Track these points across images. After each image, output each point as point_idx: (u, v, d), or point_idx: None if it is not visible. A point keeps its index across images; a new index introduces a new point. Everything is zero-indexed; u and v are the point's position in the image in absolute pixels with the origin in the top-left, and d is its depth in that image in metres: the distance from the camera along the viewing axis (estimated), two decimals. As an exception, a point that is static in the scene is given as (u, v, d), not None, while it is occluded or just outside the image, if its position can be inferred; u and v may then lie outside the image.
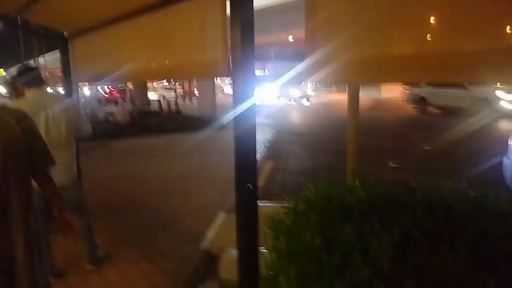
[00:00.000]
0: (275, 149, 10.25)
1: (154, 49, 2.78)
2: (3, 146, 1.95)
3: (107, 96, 28.16)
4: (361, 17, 1.47)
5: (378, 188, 2.43)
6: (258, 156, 9.00)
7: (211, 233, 4.24)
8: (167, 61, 2.70)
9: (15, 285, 2.02)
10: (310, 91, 26.38)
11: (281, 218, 2.32)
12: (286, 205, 2.47)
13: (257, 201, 1.91)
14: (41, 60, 27.15)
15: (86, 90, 26.57)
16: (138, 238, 4.55)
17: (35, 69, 3.55)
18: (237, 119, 1.77)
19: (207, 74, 2.65)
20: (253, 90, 1.77)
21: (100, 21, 3.36)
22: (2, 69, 46.12)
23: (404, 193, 2.37)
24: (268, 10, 21.67)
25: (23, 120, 2.11)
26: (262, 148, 10.29)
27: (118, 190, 6.61)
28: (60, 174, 3.14)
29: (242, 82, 1.75)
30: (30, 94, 3.24)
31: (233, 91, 1.78)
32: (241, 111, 1.73)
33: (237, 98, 1.76)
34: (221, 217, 4.70)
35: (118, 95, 26.44)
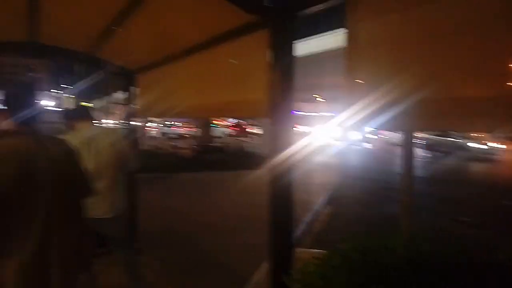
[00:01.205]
0: (335, 194, 9.90)
1: (203, 86, 2.81)
2: (48, 172, 2.02)
3: (175, 129, 29.52)
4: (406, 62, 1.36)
5: (426, 246, 2.12)
6: (318, 199, 8.75)
7: (255, 279, 4.07)
8: (215, 99, 2.71)
9: None
10: (371, 134, 25.71)
11: (310, 270, 2.10)
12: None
13: (293, 247, 1.77)
14: (116, 95, 29.37)
15: (152, 123, 28.06)
16: (183, 274, 4.49)
17: (85, 106, 3.81)
18: (274, 161, 1.69)
19: (250, 114, 2.62)
20: (291, 132, 1.70)
21: (159, 60, 3.51)
22: (84, 102, 50.46)
23: (459, 254, 2.04)
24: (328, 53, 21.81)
25: (70, 152, 2.20)
26: (321, 191, 10.00)
27: (174, 223, 6.68)
28: (99, 206, 3.23)
29: (280, 124, 1.68)
30: (80, 127, 3.42)
31: (271, 132, 1.71)
32: (279, 153, 1.65)
33: (274, 140, 1.69)
34: (264, 268, 4.51)
35: (189, 129, 27.61)
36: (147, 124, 19.84)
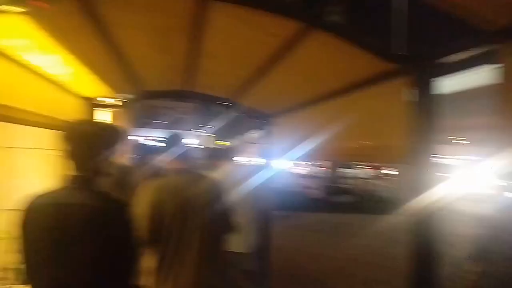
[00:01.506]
0: (486, 248, 8.66)
1: (340, 131, 2.85)
2: (198, 207, 2.29)
3: (304, 168, 29.77)
4: None
5: None
6: (464, 254, 7.77)
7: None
8: (350, 144, 2.73)
9: None
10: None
11: None
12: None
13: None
14: (252, 135, 31.21)
15: (286, 163, 28.69)
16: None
17: (225, 146, 4.16)
18: (413, 208, 1.63)
19: (385, 159, 2.56)
20: (432, 178, 1.62)
21: (298, 104, 3.69)
22: (223, 142, 54.89)
23: None
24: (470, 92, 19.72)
25: (217, 189, 2.45)
26: (467, 244, 8.87)
27: (300, 263, 6.67)
28: (237, 242, 3.43)
29: (419, 169, 1.62)
30: (223, 166, 3.74)
31: (410, 177, 1.67)
32: (418, 199, 1.58)
33: (413, 185, 1.64)
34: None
35: (318, 169, 27.63)
36: (278, 164, 20.50)
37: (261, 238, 3.90)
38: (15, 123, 2.58)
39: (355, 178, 20.12)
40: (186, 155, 2.54)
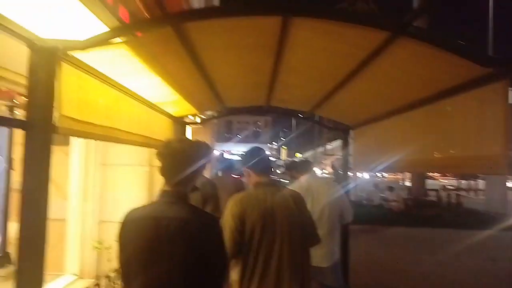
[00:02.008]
0: None
1: (426, 140, 2.74)
2: (282, 219, 2.32)
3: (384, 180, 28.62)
4: None
5: None
6: None
7: None
8: (439, 154, 2.60)
9: None
10: None
11: None
12: None
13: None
14: (328, 147, 30.81)
15: (365, 175, 27.88)
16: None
17: (303, 161, 4.15)
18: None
19: (482, 170, 2.39)
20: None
21: (377, 115, 3.61)
22: (299, 154, 54.80)
23: None
24: None
25: (299, 202, 2.47)
26: None
27: (382, 279, 6.41)
28: (318, 255, 3.39)
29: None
30: (302, 179, 3.73)
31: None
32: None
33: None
34: None
35: (396, 180, 26.48)
36: (357, 176, 20.00)
37: (340, 252, 3.83)
38: (116, 143, 2.85)
39: (439, 190, 18.86)
40: (267, 168, 2.59)
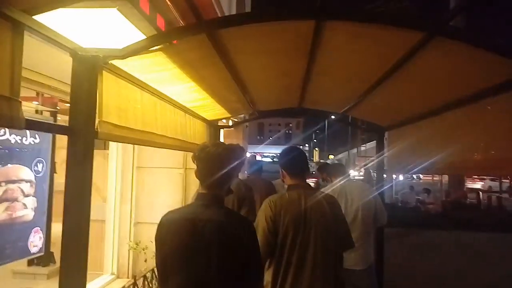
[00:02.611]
0: None
1: (464, 142, 2.66)
2: (316, 222, 2.31)
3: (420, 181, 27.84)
4: None
5: None
6: None
7: None
8: (475, 155, 2.51)
9: None
10: None
11: None
12: None
13: None
14: (362, 148, 30.36)
15: (400, 177, 27.23)
16: None
17: (337, 163, 4.12)
18: None
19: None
20: None
21: (413, 116, 3.53)
22: (332, 156, 54.21)
23: None
24: None
25: (333, 205, 2.45)
26: None
27: (419, 285, 6.23)
28: (352, 258, 3.36)
29: None
30: (336, 181, 3.70)
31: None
32: None
33: None
34: None
35: (432, 182, 25.69)
36: (393, 177, 19.58)
37: (375, 255, 3.77)
38: (153, 146, 2.93)
39: (479, 191, 18.11)
40: (303, 170, 2.57)
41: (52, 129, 2.72)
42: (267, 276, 2.39)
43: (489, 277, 6.70)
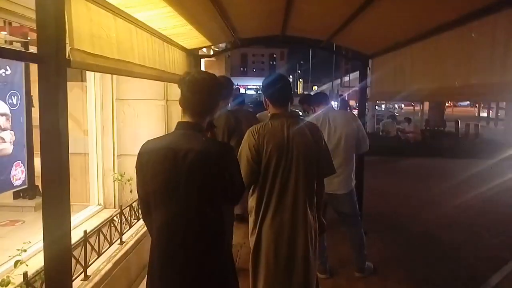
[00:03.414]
0: None
1: (447, 68, 2.64)
2: (298, 150, 2.35)
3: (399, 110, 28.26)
4: None
5: None
6: None
7: (496, 281, 3.64)
8: (457, 82, 2.51)
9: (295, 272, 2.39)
10: None
11: None
12: None
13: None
14: (346, 79, 30.26)
15: (382, 106, 27.56)
16: (409, 260, 4.42)
17: (324, 94, 4.12)
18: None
19: (507, 97, 2.31)
20: None
21: (397, 42, 3.47)
22: (316, 86, 54.05)
23: None
24: None
25: (315, 132, 2.47)
26: None
27: (396, 207, 6.59)
28: (334, 183, 3.49)
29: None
30: (319, 110, 3.72)
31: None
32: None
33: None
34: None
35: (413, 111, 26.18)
36: (374, 107, 19.77)
37: (356, 181, 3.91)
38: (131, 76, 2.83)
39: (456, 120, 18.55)
40: (286, 99, 2.50)
41: (21, 56, 2.58)
42: (252, 202, 2.48)
43: (456, 196, 7.10)
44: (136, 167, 1.81)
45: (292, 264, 2.40)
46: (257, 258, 2.45)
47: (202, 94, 1.78)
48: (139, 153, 1.81)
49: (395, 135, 15.69)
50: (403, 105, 34.99)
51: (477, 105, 31.62)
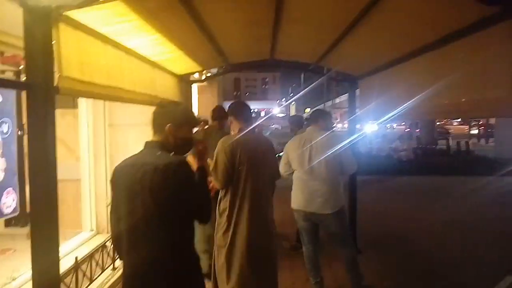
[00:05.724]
0: None
1: (432, 87, 2.70)
2: (261, 158, 2.89)
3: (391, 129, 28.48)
4: None
5: None
6: None
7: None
8: (445, 100, 2.57)
9: None
10: None
11: None
12: None
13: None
14: (337, 100, 30.62)
15: (374, 127, 27.72)
16: (403, 279, 4.38)
17: (299, 116, 4.35)
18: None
19: (489, 113, 2.37)
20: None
21: (384, 63, 3.56)
22: (309, 108, 54.44)
23: None
24: None
25: (270, 146, 3.09)
26: None
27: (389, 226, 6.56)
28: (318, 202, 3.53)
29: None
30: (308, 129, 3.80)
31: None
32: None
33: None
34: (508, 281, 3.94)
35: (404, 130, 26.40)
36: (365, 127, 19.93)
37: (347, 200, 3.91)
38: (121, 102, 2.86)
39: (448, 137, 18.75)
40: (250, 117, 3.09)
41: (9, 84, 2.62)
42: (224, 204, 2.85)
43: (452, 213, 7.11)
44: (110, 184, 1.95)
45: (261, 254, 2.85)
46: (231, 251, 2.79)
47: (160, 118, 2.00)
48: (112, 171, 1.94)
49: (387, 153, 15.79)
50: (394, 125, 35.28)
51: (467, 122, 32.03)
